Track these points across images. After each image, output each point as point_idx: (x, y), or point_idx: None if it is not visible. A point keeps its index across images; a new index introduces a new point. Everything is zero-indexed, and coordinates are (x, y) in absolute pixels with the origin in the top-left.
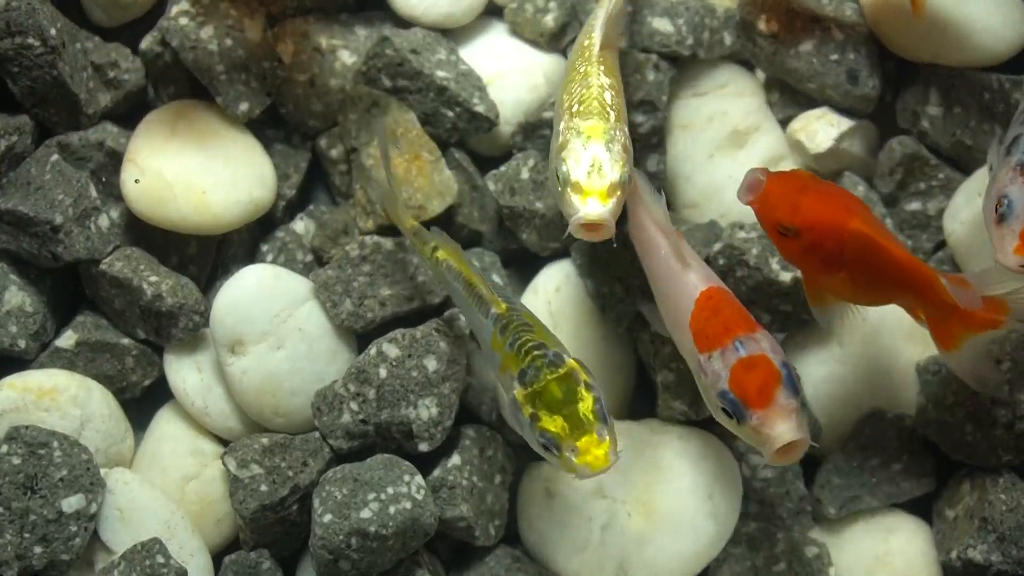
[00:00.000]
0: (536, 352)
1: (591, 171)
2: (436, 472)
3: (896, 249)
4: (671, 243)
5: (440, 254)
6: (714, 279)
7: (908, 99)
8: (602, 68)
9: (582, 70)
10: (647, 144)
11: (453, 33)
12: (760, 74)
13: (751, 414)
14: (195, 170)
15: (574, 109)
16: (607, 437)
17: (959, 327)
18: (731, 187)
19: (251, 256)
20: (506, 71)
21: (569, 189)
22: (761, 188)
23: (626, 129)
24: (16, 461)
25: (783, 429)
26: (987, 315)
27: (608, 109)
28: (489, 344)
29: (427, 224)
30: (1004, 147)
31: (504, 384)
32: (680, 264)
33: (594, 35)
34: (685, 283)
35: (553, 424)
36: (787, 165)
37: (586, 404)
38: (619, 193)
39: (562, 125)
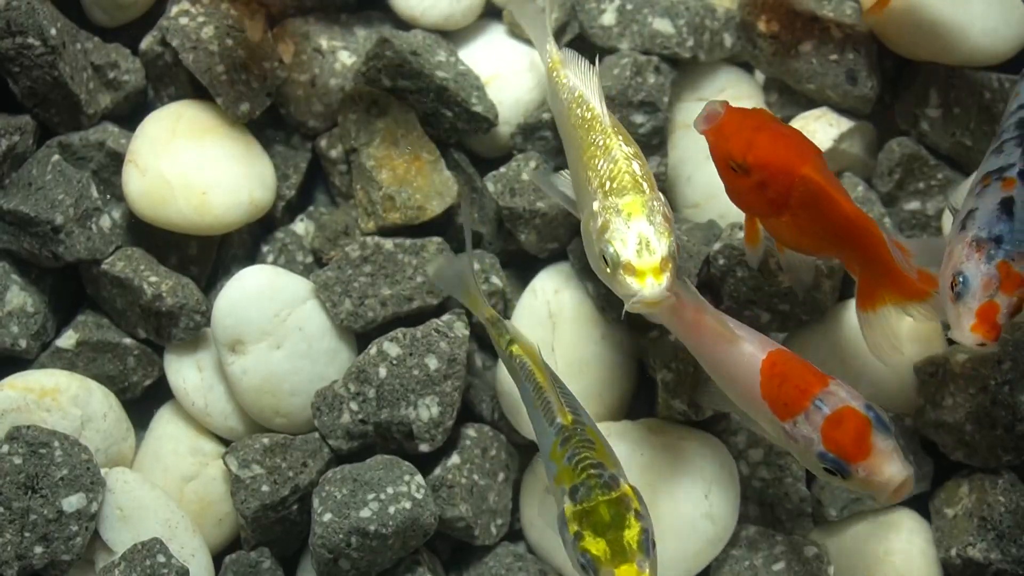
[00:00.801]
0: (592, 471)
1: (640, 249)
2: (436, 471)
3: (844, 201)
4: (715, 320)
5: (515, 349)
6: (768, 342)
7: (907, 99)
8: (620, 138)
9: (600, 143)
10: (648, 145)
11: (452, 34)
12: (760, 76)
13: (854, 468)
14: (196, 171)
15: (607, 187)
16: (647, 570)
17: (887, 291)
18: None
19: (251, 257)
20: (505, 72)
21: (621, 271)
22: (718, 120)
23: (662, 196)
24: (17, 461)
25: (891, 473)
26: (919, 284)
27: (641, 181)
28: (548, 453)
29: (427, 224)
30: (959, 220)
31: (556, 495)
32: (731, 339)
33: (595, 105)
34: (742, 356)
35: (596, 547)
36: None
37: (632, 532)
38: (671, 265)
39: (596, 205)
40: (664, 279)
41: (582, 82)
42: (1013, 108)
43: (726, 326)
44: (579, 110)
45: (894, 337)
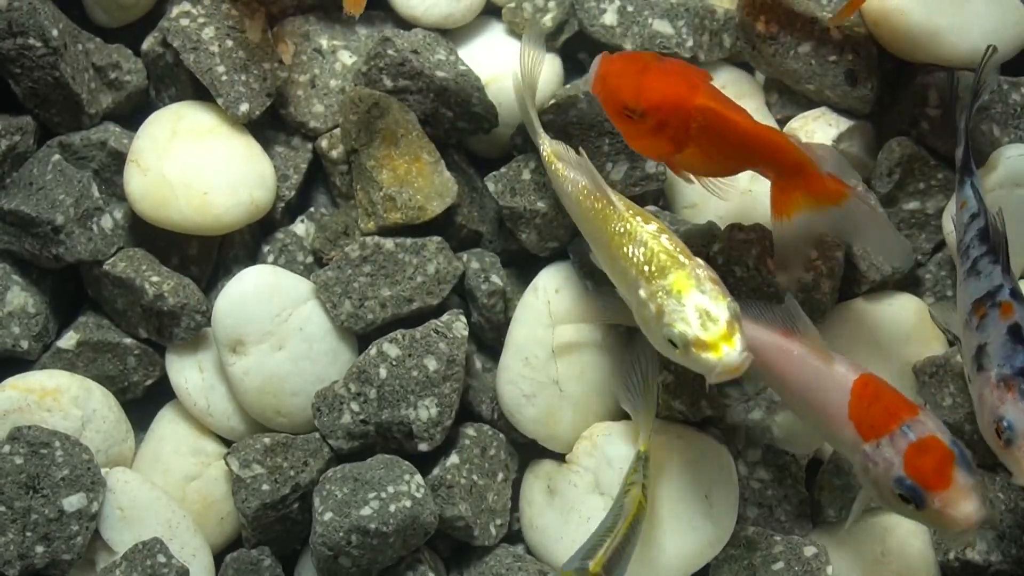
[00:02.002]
0: None
1: (703, 322)
2: (435, 471)
3: (743, 118)
4: (808, 342)
5: (634, 493)
6: (859, 365)
7: (907, 100)
8: (638, 217)
9: (623, 230)
10: None
11: (452, 33)
12: (759, 76)
13: (932, 497)
14: (196, 171)
15: (647, 272)
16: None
17: (800, 195)
18: (729, 188)
19: (252, 257)
20: (505, 72)
21: (693, 349)
22: (603, 72)
23: (701, 261)
24: (18, 461)
25: (968, 510)
26: (832, 186)
27: (676, 255)
28: None
29: (427, 225)
30: (971, 358)
31: None
32: (823, 360)
33: (603, 194)
34: (834, 376)
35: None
36: None
37: None
38: (738, 325)
39: (643, 293)
40: (736, 342)
41: (580, 171)
42: (965, 219)
43: (820, 349)
44: (589, 202)
45: (805, 247)
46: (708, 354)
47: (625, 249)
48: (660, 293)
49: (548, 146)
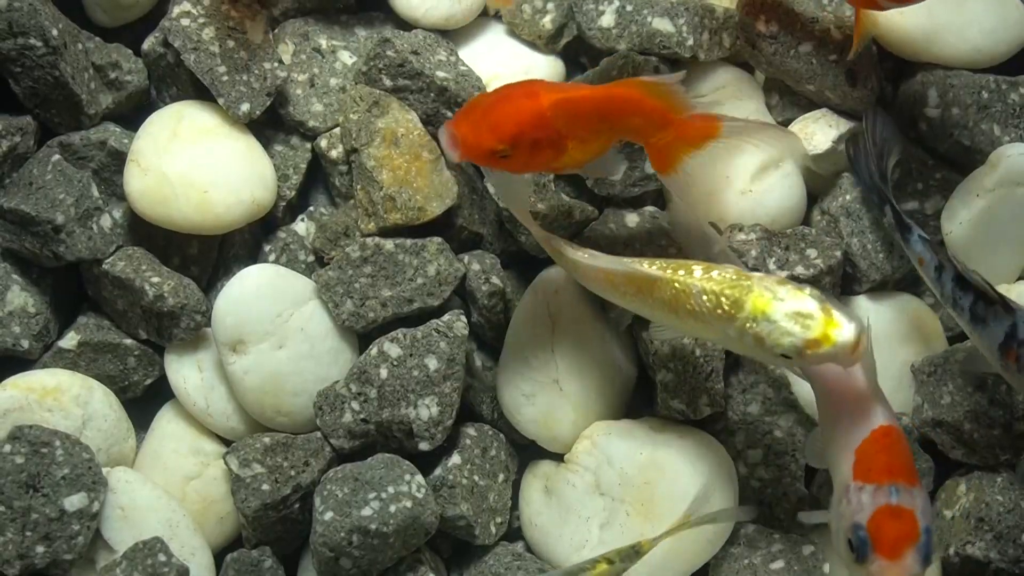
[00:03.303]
0: None
1: (802, 323)
2: (437, 471)
3: (590, 90)
4: (867, 374)
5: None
6: (893, 416)
7: (906, 100)
8: (678, 271)
9: (674, 291)
10: None
11: (452, 34)
12: (759, 76)
13: (874, 559)
14: (197, 170)
15: (722, 314)
16: None
17: (676, 144)
18: (729, 188)
19: (253, 256)
20: (505, 72)
21: (810, 352)
22: (457, 136)
23: (753, 272)
24: (19, 460)
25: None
26: (701, 124)
27: (735, 282)
28: None
29: (427, 225)
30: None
31: None
32: (871, 392)
33: (634, 269)
34: (869, 411)
35: None
36: (786, 166)
37: None
38: (829, 303)
39: (734, 333)
40: (839, 320)
41: (588, 255)
42: (932, 274)
43: (875, 384)
44: (624, 286)
45: (701, 194)
46: (824, 347)
47: (690, 306)
48: (748, 324)
49: (559, 244)
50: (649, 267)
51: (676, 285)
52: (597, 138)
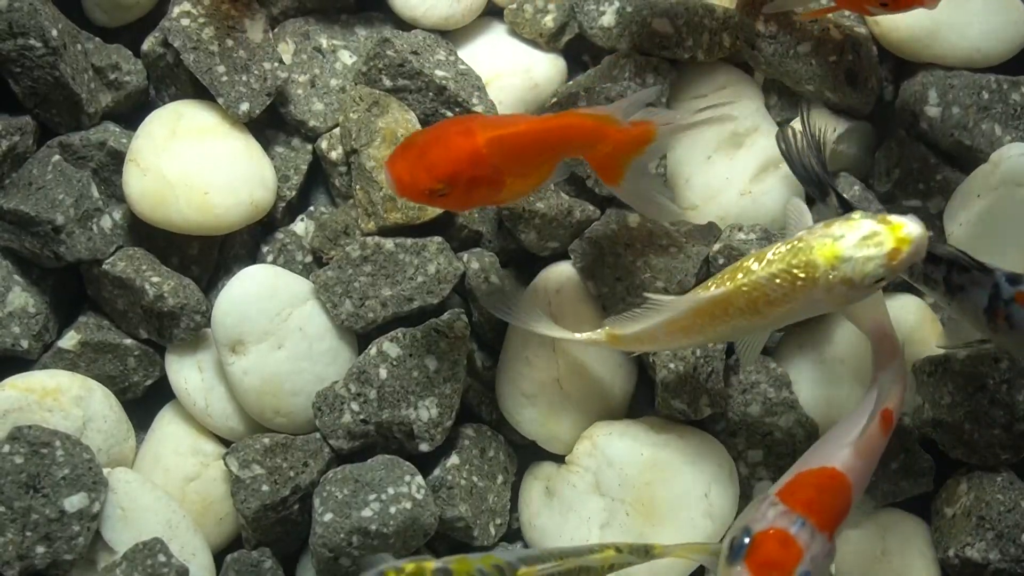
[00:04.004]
0: None
1: (872, 243)
2: (436, 472)
3: (526, 123)
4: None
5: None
6: (855, 467)
7: (907, 99)
8: (735, 275)
9: (746, 297)
10: None
11: (453, 33)
12: (759, 76)
13: (742, 567)
14: (197, 171)
15: (800, 276)
16: None
17: (617, 153)
18: (729, 189)
19: (252, 257)
20: (506, 71)
21: (894, 263)
22: (393, 176)
23: (793, 236)
24: (18, 460)
25: None
26: (638, 130)
27: (791, 248)
28: None
29: (427, 224)
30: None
31: None
32: (865, 430)
33: (702, 296)
34: (834, 447)
35: None
36: (786, 166)
37: None
38: (877, 213)
39: (823, 289)
40: (898, 221)
41: (644, 324)
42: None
43: (872, 430)
44: (700, 322)
45: (653, 191)
46: (906, 249)
47: (770, 298)
48: (830, 275)
49: (617, 329)
50: (710, 289)
51: (745, 288)
52: (537, 170)
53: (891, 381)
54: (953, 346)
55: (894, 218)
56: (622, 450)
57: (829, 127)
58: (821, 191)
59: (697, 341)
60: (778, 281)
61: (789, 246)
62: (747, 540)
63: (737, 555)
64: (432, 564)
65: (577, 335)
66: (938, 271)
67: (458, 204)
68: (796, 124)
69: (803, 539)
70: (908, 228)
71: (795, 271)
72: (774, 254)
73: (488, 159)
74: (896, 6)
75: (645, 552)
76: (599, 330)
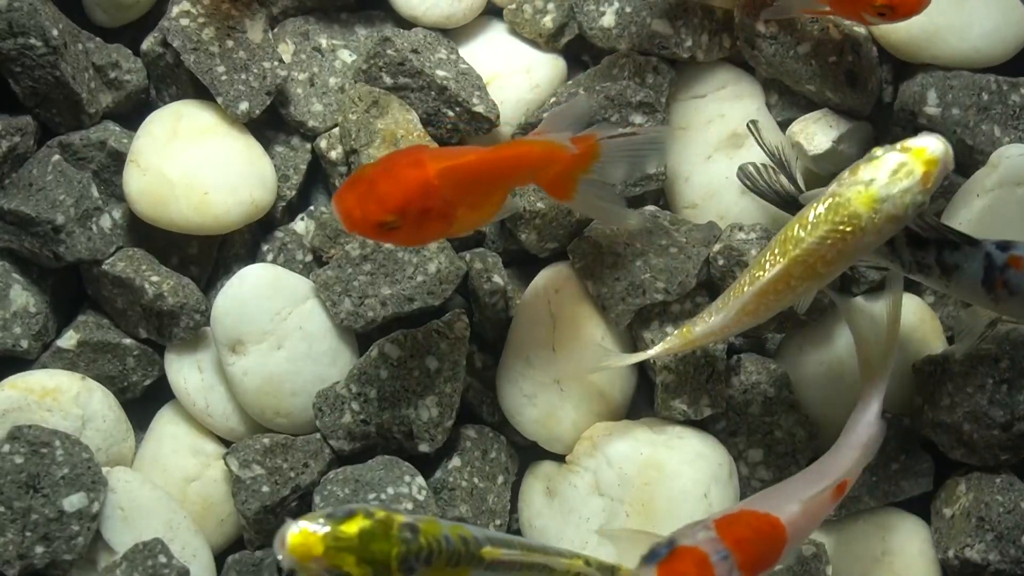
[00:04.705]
0: None
1: (903, 172)
2: (437, 474)
3: (475, 155)
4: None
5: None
6: (800, 522)
7: (906, 100)
8: (790, 246)
9: (803, 264)
10: None
11: (453, 32)
12: (759, 76)
13: (652, 572)
14: (196, 171)
15: (849, 236)
16: None
17: (566, 171)
18: (729, 188)
19: (252, 256)
20: (506, 71)
21: (931, 177)
22: (342, 210)
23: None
24: (18, 460)
25: None
26: (583, 150)
27: (834, 215)
28: None
29: None
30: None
31: None
32: (819, 494)
33: (761, 277)
34: (781, 500)
35: None
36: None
37: None
38: (889, 146)
39: (872, 236)
40: (918, 144)
41: (713, 315)
42: (885, 250)
43: (828, 492)
44: (766, 300)
45: (606, 200)
46: (935, 169)
47: (826, 259)
48: (874, 219)
49: (686, 331)
50: (765, 269)
51: (800, 257)
52: (488, 200)
53: (859, 448)
54: (970, 344)
55: (913, 143)
56: (622, 450)
57: (784, 142)
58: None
59: (765, 317)
60: (829, 242)
61: (827, 204)
62: (667, 550)
63: (652, 559)
64: (402, 518)
65: (653, 349)
66: (928, 255)
67: (408, 238)
68: (749, 165)
69: (720, 570)
70: (930, 148)
71: (841, 227)
72: (815, 216)
73: (439, 190)
74: (894, 16)
75: (611, 572)
76: (673, 337)
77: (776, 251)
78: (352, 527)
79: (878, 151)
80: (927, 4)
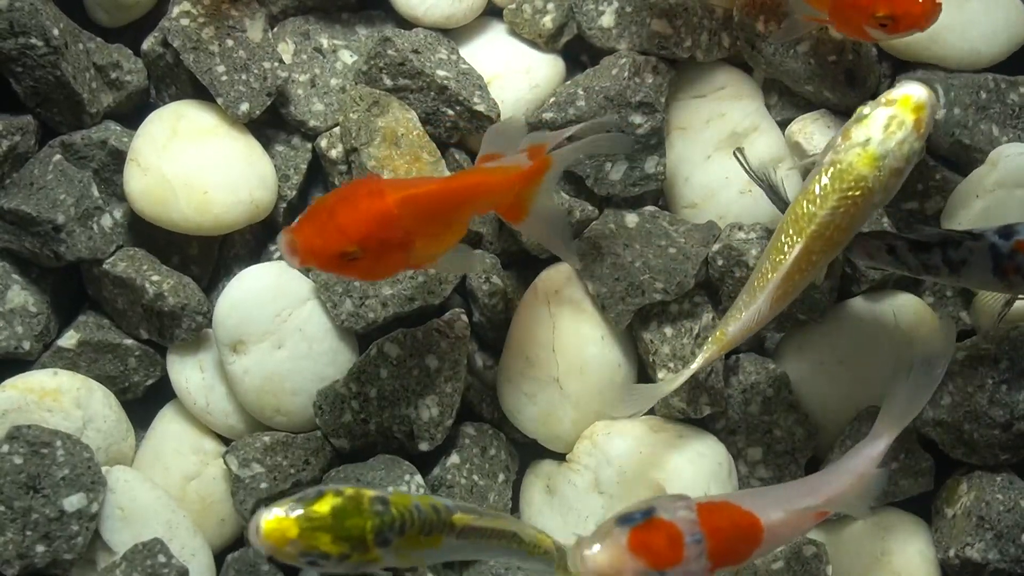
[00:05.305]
0: None
1: (895, 126)
2: (435, 471)
3: (434, 184)
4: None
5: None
6: (778, 530)
7: None
8: (803, 223)
9: (822, 239)
10: (646, 145)
11: (453, 33)
12: (758, 75)
13: (623, 533)
14: (197, 170)
15: (861, 199)
16: None
17: (522, 191)
18: (729, 188)
19: (253, 256)
20: (506, 71)
21: (921, 121)
22: (297, 245)
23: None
24: (18, 460)
25: (597, 551)
26: (537, 165)
27: (841, 181)
28: None
29: None
30: None
31: None
32: (804, 511)
33: (784, 262)
34: (781, 506)
35: None
36: (785, 166)
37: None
38: (875, 101)
39: (880, 194)
40: (902, 94)
41: (746, 305)
42: (886, 259)
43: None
44: (795, 279)
45: (557, 223)
46: (925, 111)
47: (840, 228)
48: (878, 176)
49: (720, 336)
50: (784, 252)
51: (817, 231)
52: (448, 231)
53: (854, 475)
54: (992, 325)
55: (896, 94)
56: (622, 449)
57: (770, 167)
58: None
59: (792, 299)
60: (842, 210)
61: (830, 174)
62: (644, 517)
63: (627, 522)
64: (371, 492)
65: (695, 364)
66: (933, 257)
67: (367, 270)
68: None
69: (689, 551)
70: (915, 95)
71: (850, 193)
72: (822, 189)
73: (399, 220)
74: (895, 29)
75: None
76: (709, 344)
77: (791, 231)
78: (324, 506)
79: (865, 109)
80: (934, 17)
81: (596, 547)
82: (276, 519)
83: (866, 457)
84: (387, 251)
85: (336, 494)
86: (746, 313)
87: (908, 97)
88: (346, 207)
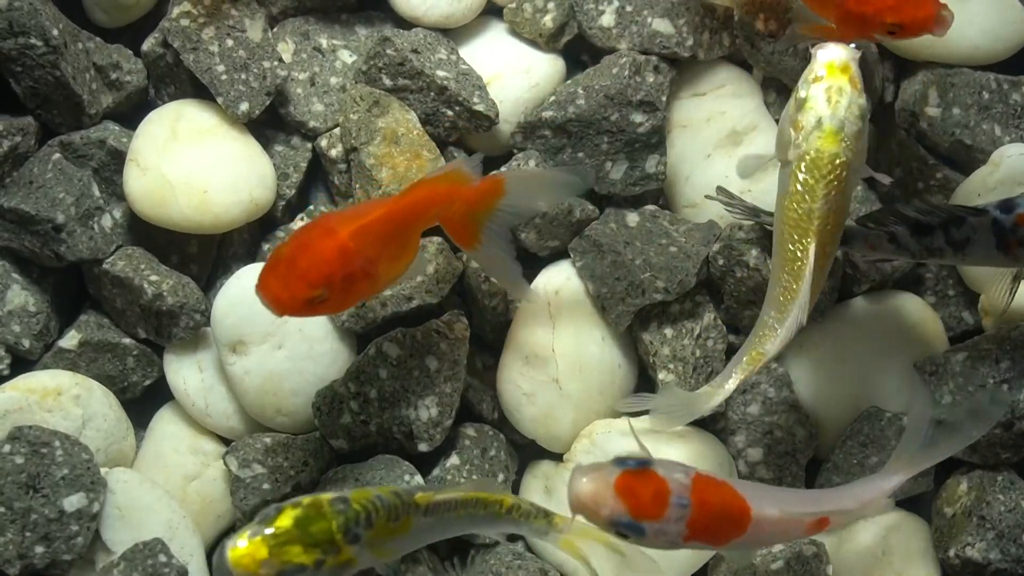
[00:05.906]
0: None
1: (835, 99)
2: (435, 471)
3: (382, 208)
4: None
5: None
6: (768, 528)
7: (907, 99)
8: (795, 217)
9: (822, 222)
10: (647, 144)
11: (453, 33)
12: (758, 74)
13: (614, 472)
14: (196, 170)
15: (832, 181)
16: None
17: (469, 213)
18: (729, 187)
19: (252, 255)
20: (506, 71)
21: (855, 85)
22: (268, 297)
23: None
24: (18, 460)
25: (584, 482)
26: (486, 184)
27: (808, 175)
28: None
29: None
30: None
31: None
32: (801, 516)
33: (797, 261)
34: (779, 505)
35: None
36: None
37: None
38: (803, 78)
39: (851, 169)
40: (825, 59)
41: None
42: (888, 248)
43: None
44: (818, 273)
45: (507, 253)
46: (853, 74)
47: (835, 207)
48: (847, 148)
49: (757, 351)
50: (800, 258)
51: (820, 223)
52: (404, 250)
53: (860, 501)
54: (1005, 307)
55: (818, 68)
56: (621, 448)
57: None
58: None
59: (816, 298)
60: (833, 195)
61: (804, 168)
62: (639, 465)
63: (621, 464)
64: (329, 495)
65: (731, 383)
66: (936, 239)
67: (339, 306)
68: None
69: (672, 511)
70: (836, 58)
71: (831, 175)
72: (804, 185)
73: (357, 253)
74: (904, 34)
75: (546, 516)
76: (745, 364)
77: (795, 236)
78: (286, 520)
79: (800, 93)
80: (946, 24)
81: (586, 479)
82: (242, 547)
83: (877, 488)
84: (353, 283)
85: (294, 506)
86: (782, 330)
87: (831, 63)
88: (303, 253)
